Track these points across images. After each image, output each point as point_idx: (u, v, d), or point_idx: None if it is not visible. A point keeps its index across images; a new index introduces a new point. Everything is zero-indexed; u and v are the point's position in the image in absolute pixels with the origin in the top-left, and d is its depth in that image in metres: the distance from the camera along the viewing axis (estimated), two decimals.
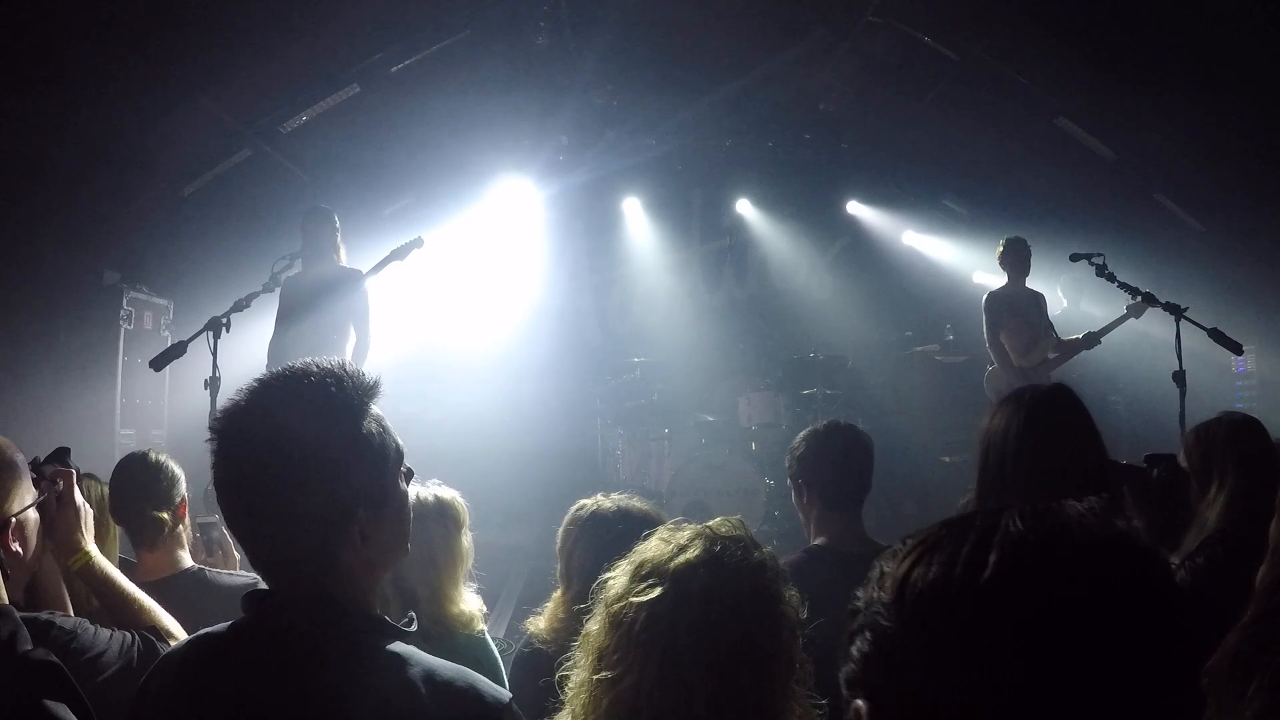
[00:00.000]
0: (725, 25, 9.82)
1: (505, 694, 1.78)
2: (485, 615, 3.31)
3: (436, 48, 9.53)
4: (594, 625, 2.04)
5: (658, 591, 1.93)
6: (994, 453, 3.06)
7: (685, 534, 2.04)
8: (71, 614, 2.56)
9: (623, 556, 3.01)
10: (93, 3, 7.01)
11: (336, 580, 1.78)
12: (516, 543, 8.70)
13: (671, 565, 1.96)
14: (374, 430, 1.83)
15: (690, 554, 1.97)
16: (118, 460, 3.63)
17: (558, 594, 3.19)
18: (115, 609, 2.63)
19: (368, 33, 9.06)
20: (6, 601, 2.13)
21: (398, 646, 1.78)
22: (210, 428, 1.80)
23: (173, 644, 2.48)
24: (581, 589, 3.02)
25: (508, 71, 10.38)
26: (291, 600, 1.79)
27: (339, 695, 1.68)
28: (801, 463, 3.91)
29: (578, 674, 2.03)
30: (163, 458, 3.62)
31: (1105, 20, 8.25)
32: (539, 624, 3.15)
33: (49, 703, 1.96)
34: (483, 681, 1.78)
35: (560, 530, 3.24)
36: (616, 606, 1.98)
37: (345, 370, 1.83)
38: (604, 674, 1.94)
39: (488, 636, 3.31)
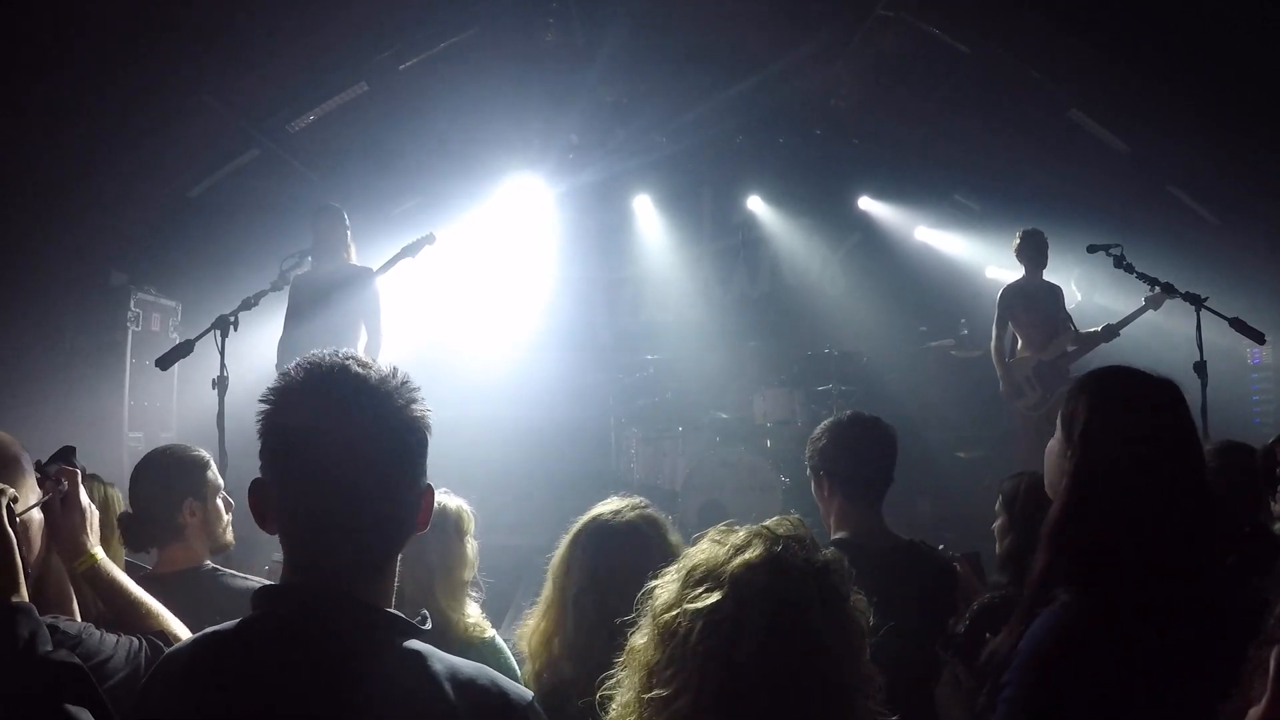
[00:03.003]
0: (735, 21, 9.75)
1: (528, 692, 1.75)
2: (485, 619, 3.21)
3: (445, 45, 9.48)
4: (640, 638, 1.89)
5: (715, 598, 1.78)
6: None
7: (740, 534, 1.88)
8: (78, 618, 2.48)
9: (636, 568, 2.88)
10: (99, 2, 6.97)
11: (375, 581, 1.78)
12: (530, 543, 8.59)
13: (729, 568, 1.81)
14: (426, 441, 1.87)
15: (749, 555, 1.82)
16: (125, 463, 3.59)
17: (547, 595, 3.02)
18: (121, 613, 2.57)
19: (376, 30, 9.02)
20: (28, 599, 2.07)
21: (416, 644, 1.74)
22: (299, 425, 1.76)
23: None
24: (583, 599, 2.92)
25: (517, 69, 10.32)
26: (309, 596, 1.74)
27: (362, 692, 1.64)
28: (823, 454, 3.81)
29: (623, 693, 1.88)
30: (178, 450, 3.58)
31: (1118, 12, 8.18)
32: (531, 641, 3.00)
33: (71, 707, 1.91)
34: (505, 679, 1.75)
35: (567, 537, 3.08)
36: (667, 616, 1.82)
37: (408, 378, 1.84)
38: (656, 692, 1.79)
39: (500, 642, 3.22)
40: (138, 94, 7.85)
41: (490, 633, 3.17)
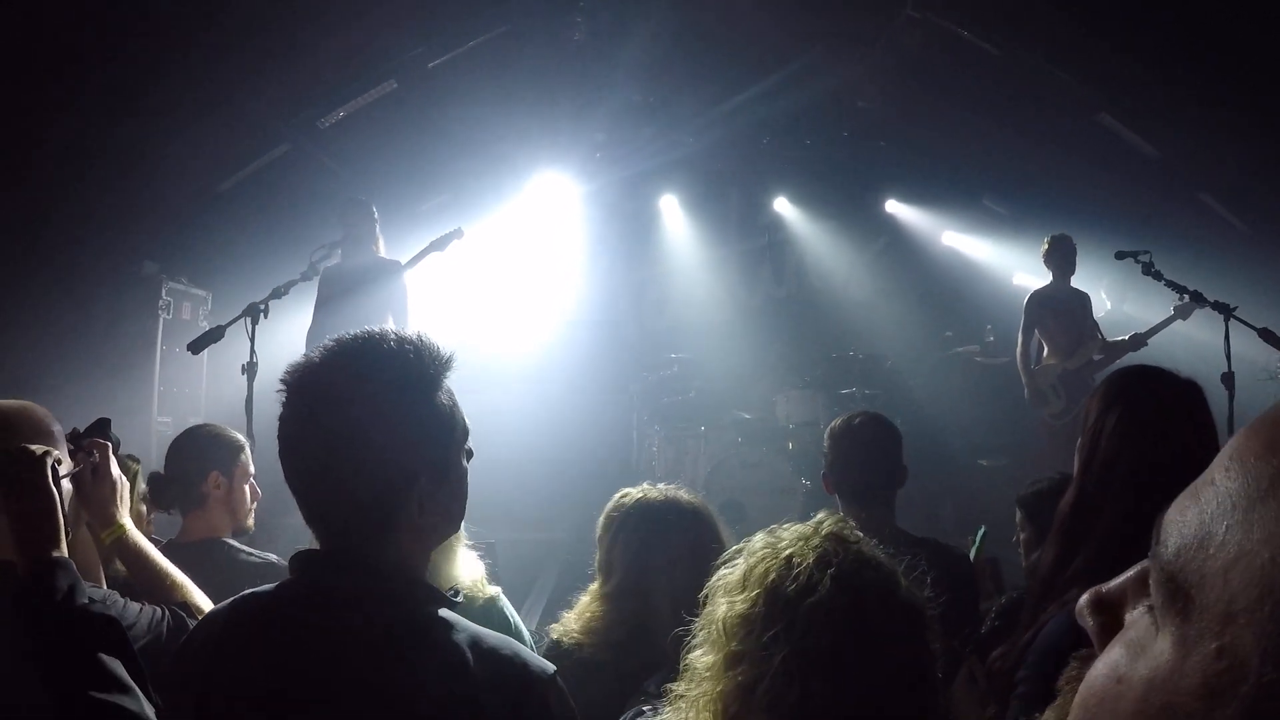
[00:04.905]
0: (763, 22, 9.76)
1: (550, 665, 1.76)
2: (489, 579, 3.13)
3: (474, 43, 9.52)
4: (705, 657, 1.74)
5: (791, 643, 1.63)
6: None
7: (804, 560, 1.70)
8: (104, 586, 2.54)
9: (672, 551, 2.90)
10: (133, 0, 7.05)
11: (389, 545, 1.77)
12: (551, 538, 8.66)
13: (800, 609, 1.64)
14: (445, 402, 1.84)
15: (821, 595, 1.64)
16: (154, 446, 3.71)
17: (594, 588, 3.08)
18: (148, 584, 2.63)
19: (405, 28, 9.08)
20: (67, 554, 2.14)
21: (444, 613, 1.77)
22: (282, 380, 1.80)
23: None
24: (624, 580, 2.95)
25: (545, 68, 10.36)
26: (342, 562, 1.79)
27: (387, 657, 1.67)
28: (827, 459, 3.96)
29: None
30: (219, 429, 3.76)
31: (1148, 14, 8.13)
32: (569, 624, 3.00)
33: (104, 657, 1.97)
34: (528, 651, 1.78)
35: (601, 518, 3.12)
36: (739, 668, 1.67)
37: (422, 340, 1.83)
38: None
39: (504, 602, 3.16)
40: (171, 90, 7.93)
41: (492, 590, 3.05)
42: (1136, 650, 0.65)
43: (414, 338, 1.82)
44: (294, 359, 1.84)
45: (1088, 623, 0.75)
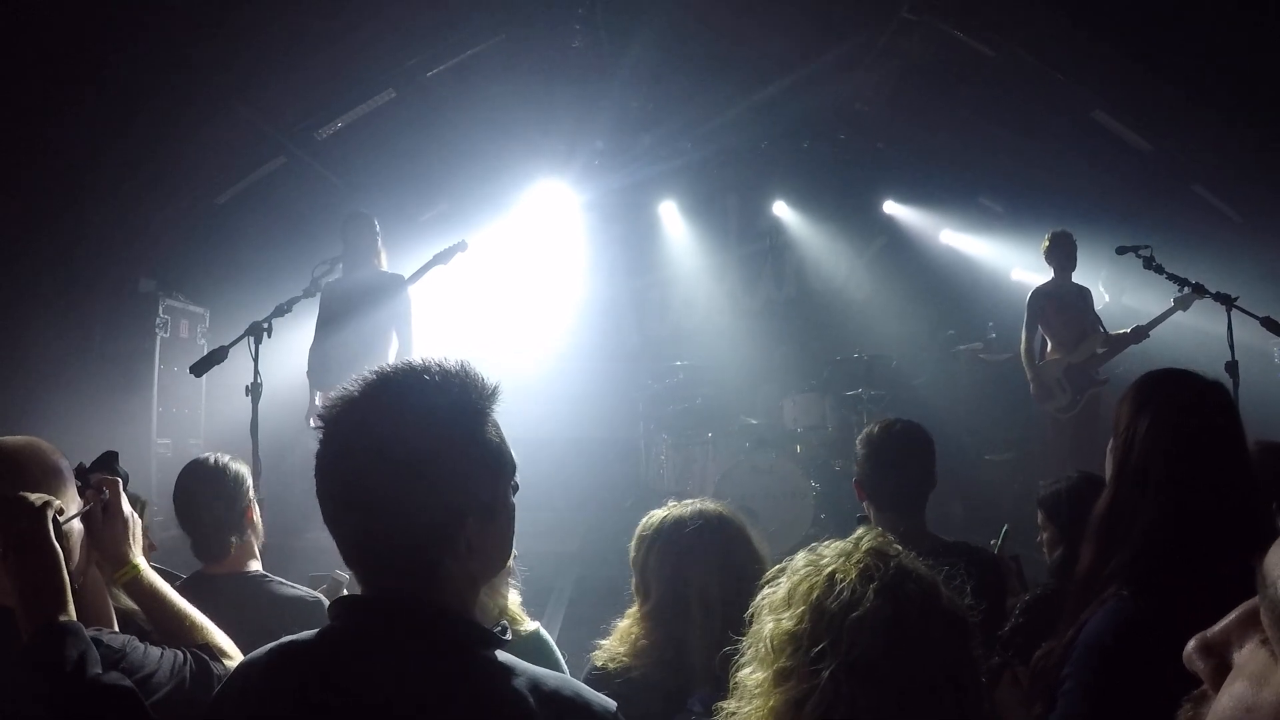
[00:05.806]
0: (760, 27, 9.76)
1: (612, 703, 1.70)
2: (523, 609, 3.18)
3: (472, 52, 9.49)
4: (754, 675, 1.76)
5: (836, 661, 1.65)
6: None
7: (853, 573, 1.73)
8: (118, 630, 2.42)
9: (703, 560, 2.90)
10: (129, 12, 7.00)
11: (437, 588, 1.68)
12: (562, 550, 8.62)
13: (845, 625, 1.67)
14: (493, 437, 1.76)
15: (864, 610, 1.67)
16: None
17: (633, 611, 3.05)
18: (165, 625, 2.48)
19: (403, 38, 9.04)
20: (75, 618, 2.02)
21: (501, 655, 1.69)
22: (321, 416, 1.72)
23: (228, 663, 2.39)
24: (661, 598, 2.93)
25: (543, 75, 10.34)
26: (390, 606, 1.70)
27: (446, 709, 1.60)
28: (859, 466, 3.93)
29: None
30: (226, 460, 3.63)
31: (1139, 13, 8.14)
32: (614, 648, 2.95)
33: None
34: (588, 690, 1.71)
35: (633, 541, 3.09)
36: (788, 684, 1.69)
37: (468, 370, 1.75)
38: None
39: (544, 634, 3.21)
40: (167, 102, 7.86)
41: (532, 625, 3.13)
42: (1260, 681, 0.76)
43: (458, 369, 1.74)
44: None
45: (1198, 666, 0.85)
